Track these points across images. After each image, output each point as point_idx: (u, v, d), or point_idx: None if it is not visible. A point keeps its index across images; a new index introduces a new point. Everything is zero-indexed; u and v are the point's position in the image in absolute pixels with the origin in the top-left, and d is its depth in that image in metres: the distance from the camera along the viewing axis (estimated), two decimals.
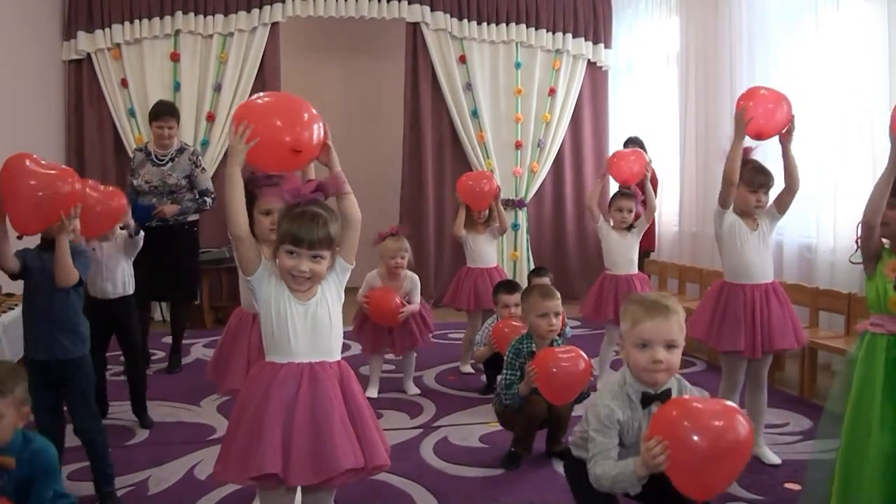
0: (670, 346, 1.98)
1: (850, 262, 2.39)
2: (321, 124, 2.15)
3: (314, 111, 2.15)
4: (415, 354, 4.37)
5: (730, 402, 1.90)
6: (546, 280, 4.29)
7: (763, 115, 3.02)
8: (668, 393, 2.05)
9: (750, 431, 1.81)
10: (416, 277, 4.23)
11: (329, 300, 2.11)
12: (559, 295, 3.27)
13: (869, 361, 2.23)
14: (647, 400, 2.03)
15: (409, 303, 4.12)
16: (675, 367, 2.01)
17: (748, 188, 3.11)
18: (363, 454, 2.02)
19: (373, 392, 4.22)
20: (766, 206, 3.15)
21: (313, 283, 2.08)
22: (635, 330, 2.00)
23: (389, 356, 4.49)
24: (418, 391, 4.29)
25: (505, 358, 3.27)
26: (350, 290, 2.33)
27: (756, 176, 3.10)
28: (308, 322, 2.06)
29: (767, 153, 3.32)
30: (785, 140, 3.08)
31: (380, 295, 4.03)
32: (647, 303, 2.03)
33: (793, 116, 3.07)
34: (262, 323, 2.11)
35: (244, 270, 2.10)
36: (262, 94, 2.33)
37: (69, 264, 2.65)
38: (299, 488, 2.17)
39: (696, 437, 1.76)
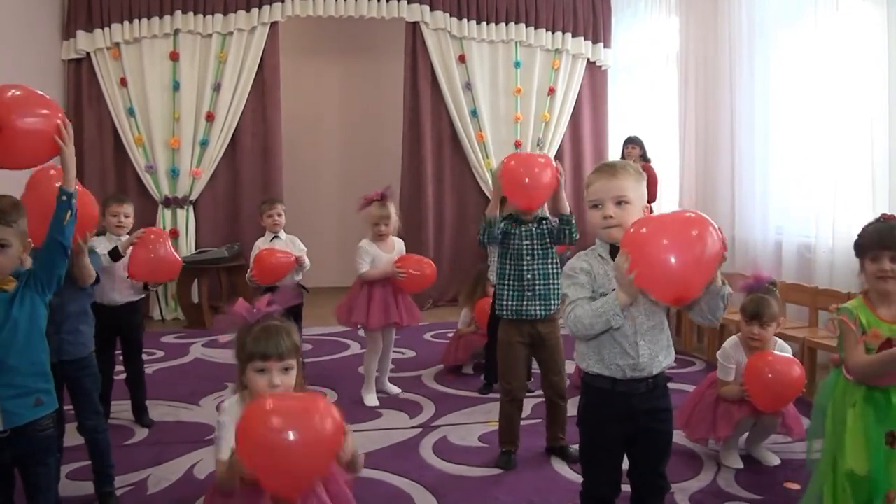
0: (620, 202, 2.02)
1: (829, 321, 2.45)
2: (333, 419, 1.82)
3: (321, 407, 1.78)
4: (391, 353, 4.36)
5: (704, 215, 1.88)
6: None
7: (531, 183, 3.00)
8: None
9: (720, 243, 1.81)
10: (402, 243, 4.23)
11: None
12: None
13: (842, 405, 2.29)
14: (615, 252, 2.02)
15: None
16: (627, 224, 2.00)
17: (743, 317, 3.18)
18: None
19: (372, 400, 4.13)
20: (767, 340, 3.17)
21: None
22: (588, 192, 2.09)
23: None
24: (399, 390, 4.29)
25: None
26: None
27: (748, 305, 3.15)
28: None
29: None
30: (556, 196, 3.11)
31: (415, 264, 4.08)
32: (597, 166, 2.14)
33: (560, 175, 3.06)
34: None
35: None
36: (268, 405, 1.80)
37: (89, 265, 2.76)
38: None
39: (661, 247, 1.76)
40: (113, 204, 3.66)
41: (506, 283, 3.21)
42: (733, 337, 3.27)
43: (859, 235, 2.35)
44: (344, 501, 2.12)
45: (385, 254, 4.09)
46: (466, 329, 4.77)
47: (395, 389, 4.29)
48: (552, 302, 3.18)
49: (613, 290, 1.96)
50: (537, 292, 3.17)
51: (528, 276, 3.16)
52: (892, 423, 2.20)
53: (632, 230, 1.86)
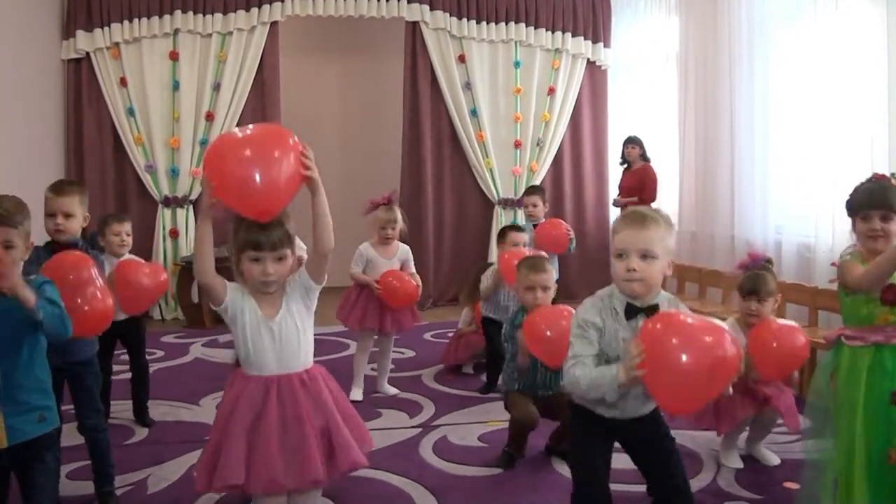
0: (646, 255, 1.95)
1: (830, 281, 2.44)
2: (293, 155, 2.01)
3: (289, 141, 2.01)
4: (391, 354, 4.37)
5: (718, 322, 1.86)
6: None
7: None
8: (654, 308, 2.01)
9: (737, 352, 1.77)
10: (409, 249, 4.22)
11: (296, 316, 2.14)
12: (550, 269, 3.22)
13: (851, 372, 2.30)
14: (631, 312, 2.00)
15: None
16: (651, 279, 1.97)
17: (741, 294, 3.15)
18: (338, 456, 2.09)
19: (357, 394, 4.14)
20: (765, 317, 3.12)
21: (279, 285, 2.12)
22: (614, 240, 2.03)
23: (373, 349, 4.44)
24: (397, 391, 4.29)
25: (504, 334, 3.32)
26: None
27: (745, 282, 3.13)
28: (276, 339, 2.10)
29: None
30: None
31: (397, 282, 4.01)
32: (627, 213, 2.05)
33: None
34: (234, 339, 2.15)
35: (214, 302, 2.13)
36: (233, 133, 2.11)
37: None
38: None
39: (677, 352, 1.73)
40: (114, 223, 3.62)
41: (515, 370, 3.23)
42: (730, 318, 3.24)
43: (851, 195, 2.37)
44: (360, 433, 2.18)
45: (384, 259, 4.09)
46: (467, 328, 4.76)
47: (392, 390, 4.28)
48: (558, 386, 3.22)
49: (618, 358, 1.94)
50: (547, 384, 3.23)
51: (541, 377, 3.22)
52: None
53: (655, 325, 1.81)
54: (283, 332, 2.11)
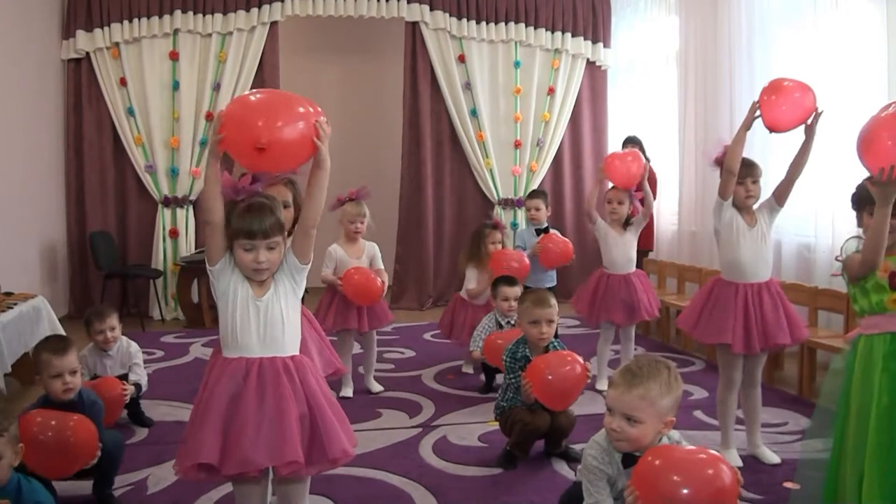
0: (629, 418, 1.90)
1: (832, 276, 2.41)
2: (303, 123, 2.02)
3: (308, 108, 2.03)
4: (375, 350, 4.37)
5: (713, 451, 1.84)
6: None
7: (782, 107, 3.02)
8: None
9: (734, 478, 1.75)
10: (376, 245, 4.18)
11: (283, 297, 2.13)
12: (554, 303, 3.20)
13: (867, 360, 2.26)
14: (628, 460, 1.97)
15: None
16: (637, 441, 1.91)
17: (736, 179, 3.11)
18: (325, 445, 2.06)
19: (348, 392, 4.18)
20: (757, 196, 3.14)
21: (271, 272, 2.13)
22: (608, 391, 2.00)
23: (359, 352, 4.43)
24: (382, 388, 4.29)
25: (503, 363, 3.27)
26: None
27: (741, 167, 3.08)
28: (261, 318, 2.09)
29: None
30: (808, 130, 3.11)
31: (359, 277, 3.95)
32: (624, 368, 1.99)
33: (816, 108, 3.07)
34: (219, 317, 2.14)
35: (209, 259, 2.12)
36: (257, 91, 2.18)
37: None
38: (270, 483, 2.20)
39: (669, 489, 1.71)
40: (95, 321, 3.55)
41: (517, 400, 3.22)
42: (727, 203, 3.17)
43: (858, 189, 2.34)
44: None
45: (353, 259, 4.04)
46: (475, 290, 4.55)
47: (377, 388, 4.29)
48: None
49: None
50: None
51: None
52: None
53: (654, 461, 1.77)
54: (270, 311, 2.10)
